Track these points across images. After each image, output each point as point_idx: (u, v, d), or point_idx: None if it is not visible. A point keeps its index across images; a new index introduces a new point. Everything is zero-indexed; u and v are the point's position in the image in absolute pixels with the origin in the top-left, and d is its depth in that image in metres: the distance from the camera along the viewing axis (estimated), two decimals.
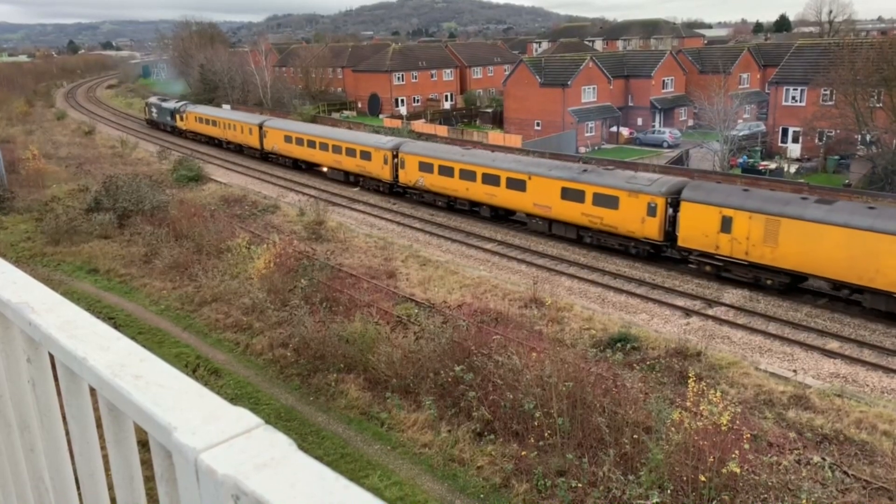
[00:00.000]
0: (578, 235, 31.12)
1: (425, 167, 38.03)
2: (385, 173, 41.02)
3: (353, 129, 61.32)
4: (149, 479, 1.25)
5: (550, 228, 32.23)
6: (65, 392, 1.42)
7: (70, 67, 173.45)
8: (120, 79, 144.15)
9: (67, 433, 1.55)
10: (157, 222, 33.55)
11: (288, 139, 50.44)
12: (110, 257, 31.69)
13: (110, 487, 1.45)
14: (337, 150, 44.81)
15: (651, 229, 27.94)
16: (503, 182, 33.81)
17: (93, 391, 1.34)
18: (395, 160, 40.08)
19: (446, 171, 36.85)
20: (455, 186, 36.58)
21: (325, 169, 47.26)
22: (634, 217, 28.32)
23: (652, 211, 27.68)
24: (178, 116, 67.82)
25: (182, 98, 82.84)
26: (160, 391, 1.15)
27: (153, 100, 77.28)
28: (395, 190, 41.29)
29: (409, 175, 39.27)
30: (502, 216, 35.72)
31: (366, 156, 42.17)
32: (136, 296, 27.98)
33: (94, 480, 1.49)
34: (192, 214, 33.74)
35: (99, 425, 1.39)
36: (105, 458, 1.42)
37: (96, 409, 1.38)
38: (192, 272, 28.32)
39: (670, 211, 27.51)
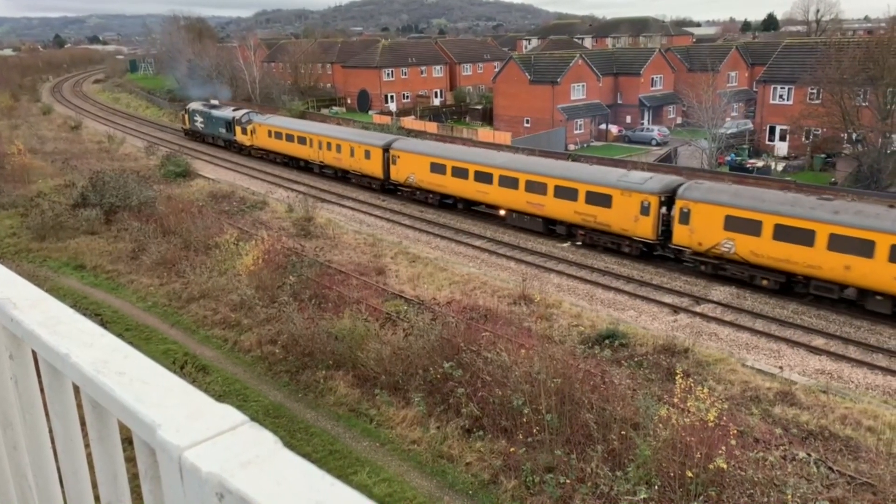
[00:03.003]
0: None
1: (741, 225, 24.93)
2: (643, 228, 28.05)
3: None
4: (133, 477, 1.24)
5: None
6: (48, 389, 1.41)
7: (56, 62, 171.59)
8: (107, 73, 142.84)
9: (51, 430, 1.53)
10: (145, 218, 33.32)
11: (437, 168, 36.58)
12: (97, 253, 31.45)
13: (94, 485, 1.44)
14: (536, 188, 31.76)
15: None
16: None
17: (76, 388, 1.32)
18: (665, 210, 27.52)
19: (797, 236, 23.60)
20: (822, 261, 23.15)
21: (501, 212, 34.23)
22: None
23: None
24: (239, 129, 54.13)
25: (232, 103, 67.52)
26: (144, 388, 1.14)
27: (197, 105, 61.90)
28: (655, 250, 28.91)
29: (702, 234, 26.04)
30: None
31: (599, 200, 29.33)
32: (123, 292, 27.79)
33: (77, 478, 1.48)
34: (179, 210, 33.56)
35: (83, 423, 1.38)
36: (89, 455, 1.40)
37: (80, 407, 1.37)
38: (179, 268, 28.16)
39: None
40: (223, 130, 56.78)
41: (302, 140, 47.29)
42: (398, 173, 39.24)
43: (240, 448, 0.95)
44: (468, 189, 35.35)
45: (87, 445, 1.41)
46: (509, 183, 32.89)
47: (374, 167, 40.91)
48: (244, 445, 0.96)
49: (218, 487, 0.89)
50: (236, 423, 1.01)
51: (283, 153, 49.98)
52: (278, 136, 49.76)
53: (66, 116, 79.00)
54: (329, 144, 44.64)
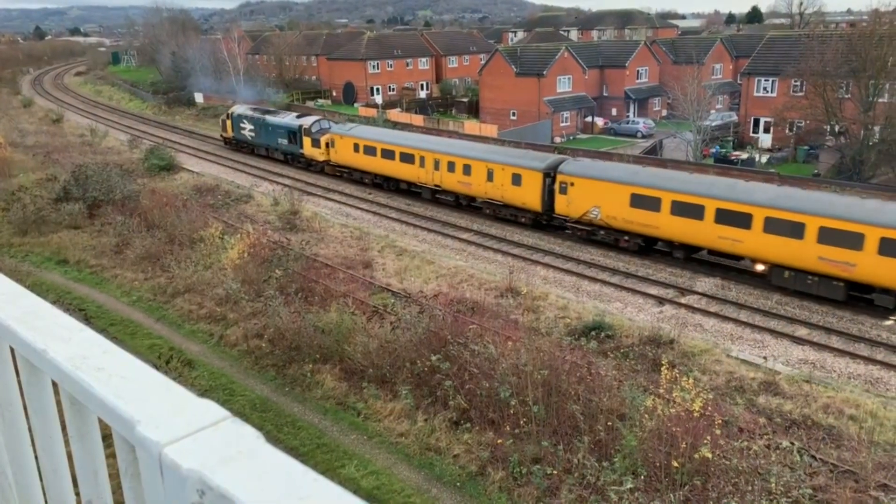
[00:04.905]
0: None
1: None
2: None
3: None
4: (115, 473, 1.22)
5: None
6: (25, 385, 1.39)
7: (37, 54, 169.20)
8: (88, 66, 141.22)
9: (30, 427, 1.51)
10: (129, 212, 33.04)
11: (644, 202, 27.28)
12: (80, 248, 31.16)
13: (75, 482, 1.42)
14: (841, 239, 22.52)
15: None
16: None
17: (55, 384, 1.30)
18: None
19: None
20: None
21: (759, 267, 25.08)
22: None
23: None
24: (309, 140, 44.76)
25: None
26: (123, 383, 1.12)
27: (242, 109, 52.59)
28: None
29: None
30: None
31: None
32: (107, 287, 27.56)
33: (57, 475, 1.45)
34: (164, 204, 33.30)
35: (63, 419, 1.36)
36: (70, 452, 1.38)
37: (59, 403, 1.34)
38: (164, 262, 27.98)
39: None
40: (284, 142, 47.16)
41: (407, 157, 37.75)
42: (570, 206, 29.95)
43: (221, 444, 0.93)
44: (703, 233, 25.84)
45: (67, 442, 1.39)
46: (785, 229, 23.69)
47: (527, 196, 31.67)
48: (226, 441, 0.94)
49: (199, 484, 0.88)
50: (218, 418, 1.00)
51: (375, 172, 40.45)
52: (370, 151, 40.05)
53: (47, 109, 77.98)
54: (451, 164, 35.20)
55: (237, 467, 0.88)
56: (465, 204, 35.90)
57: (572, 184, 29.74)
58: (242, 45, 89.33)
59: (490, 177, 33.26)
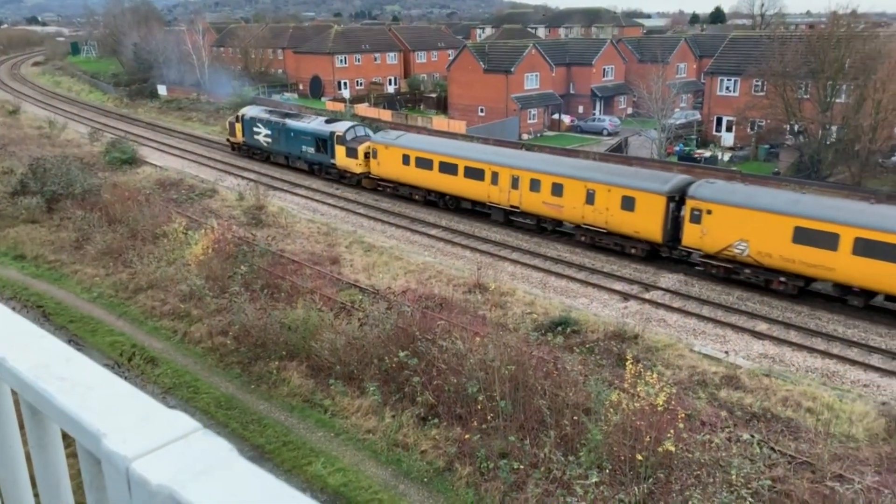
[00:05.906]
0: None
1: None
2: None
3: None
4: (76, 474, 1.19)
5: None
6: None
7: None
8: (47, 56, 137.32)
9: None
10: (89, 206, 32.29)
11: (810, 237, 22.60)
12: (38, 243, 30.38)
13: (36, 494, 1.38)
14: None
15: None
16: None
17: (15, 393, 1.26)
18: None
19: None
20: None
21: None
22: None
23: None
24: (342, 149, 39.19)
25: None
26: (88, 394, 1.08)
27: (257, 112, 47.09)
28: None
29: None
30: None
31: None
32: (66, 283, 26.91)
33: (17, 486, 1.41)
34: (125, 198, 32.63)
35: (23, 428, 1.31)
36: (29, 458, 1.34)
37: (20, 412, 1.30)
38: (126, 258, 27.41)
39: None
40: (310, 150, 41.54)
41: (475, 173, 32.46)
42: (705, 238, 25.12)
43: (192, 458, 0.91)
44: None
45: (26, 442, 1.35)
46: None
47: (643, 223, 26.76)
48: (197, 455, 0.92)
49: (169, 500, 0.85)
50: (188, 430, 0.97)
51: (429, 189, 35.24)
52: (424, 164, 34.66)
53: (3, 100, 75.67)
54: (535, 182, 30.01)
55: (209, 482, 0.86)
56: (549, 229, 30.93)
57: (709, 211, 24.87)
58: (207, 37, 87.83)
59: (590, 199, 28.15)
